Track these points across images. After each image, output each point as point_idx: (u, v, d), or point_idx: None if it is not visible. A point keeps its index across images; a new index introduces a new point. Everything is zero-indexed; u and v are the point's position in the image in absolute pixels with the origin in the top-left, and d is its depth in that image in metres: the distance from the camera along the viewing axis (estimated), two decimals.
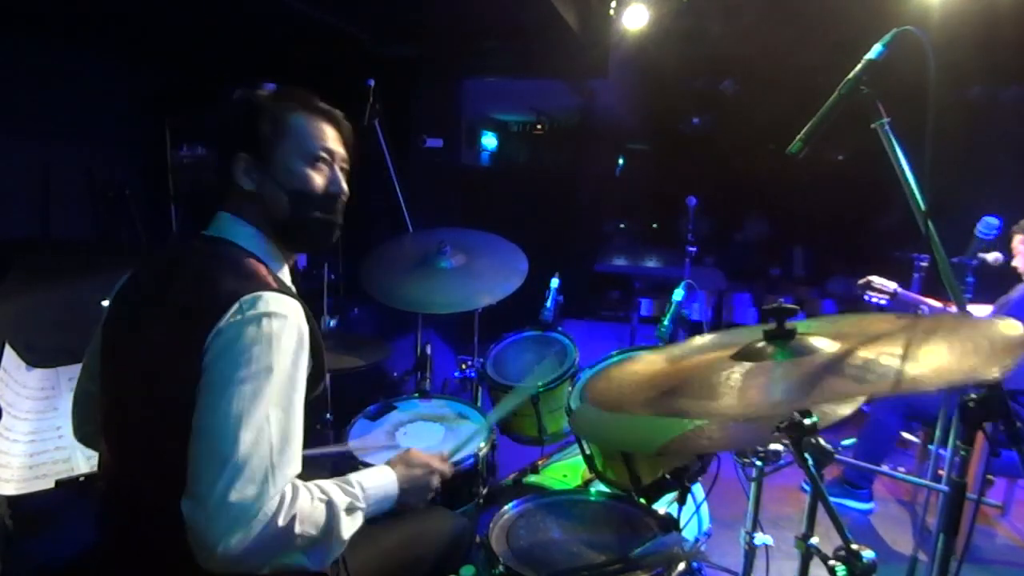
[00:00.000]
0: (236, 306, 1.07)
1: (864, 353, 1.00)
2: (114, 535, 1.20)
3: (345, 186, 1.30)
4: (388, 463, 1.35)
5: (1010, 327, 0.98)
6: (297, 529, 1.05)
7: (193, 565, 1.11)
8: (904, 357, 0.95)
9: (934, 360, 0.93)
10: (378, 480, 1.26)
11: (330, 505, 1.12)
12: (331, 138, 1.28)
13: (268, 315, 1.08)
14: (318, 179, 1.26)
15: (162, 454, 1.11)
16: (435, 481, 1.39)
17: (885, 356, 0.97)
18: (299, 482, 1.11)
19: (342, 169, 1.31)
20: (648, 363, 1.24)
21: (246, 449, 1.01)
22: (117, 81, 4.34)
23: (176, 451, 1.09)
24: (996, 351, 0.92)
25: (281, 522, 1.03)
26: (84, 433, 1.39)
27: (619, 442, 1.69)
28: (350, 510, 1.16)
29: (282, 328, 1.09)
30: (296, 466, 1.10)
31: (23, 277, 2.34)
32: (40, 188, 3.92)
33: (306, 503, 1.08)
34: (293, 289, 1.22)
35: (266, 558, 1.05)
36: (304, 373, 1.14)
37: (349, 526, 1.15)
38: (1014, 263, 2.87)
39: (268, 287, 1.12)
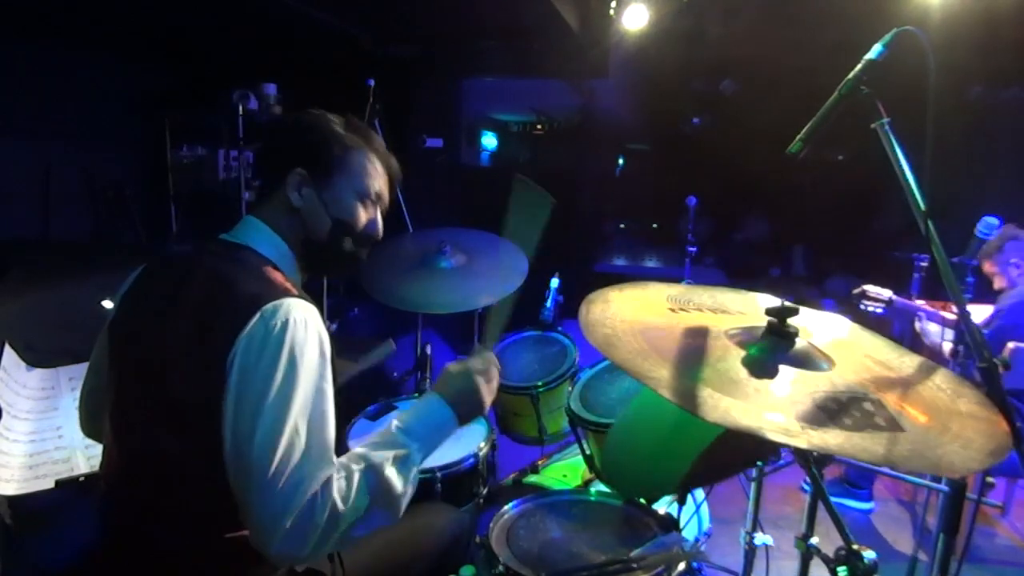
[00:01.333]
0: (258, 315, 1.08)
1: (851, 393, 0.98)
2: (116, 534, 1.20)
3: (381, 229, 1.35)
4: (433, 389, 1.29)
5: (999, 423, 0.97)
6: (342, 510, 1.05)
7: (193, 563, 1.12)
8: (887, 423, 0.93)
9: (912, 439, 0.91)
10: (421, 412, 1.23)
11: (368, 471, 1.10)
12: (384, 182, 1.33)
13: (291, 322, 1.08)
14: (363, 216, 1.30)
15: (168, 455, 1.11)
16: (483, 383, 1.28)
17: (868, 411, 0.95)
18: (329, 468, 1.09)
19: (382, 211, 1.36)
20: (650, 302, 1.24)
21: (279, 461, 1.02)
22: (117, 81, 4.34)
23: (182, 452, 1.10)
24: (980, 450, 0.90)
25: (321, 516, 1.03)
26: (92, 429, 1.39)
27: (649, 488, 1.65)
28: (395, 461, 1.13)
29: (305, 336, 1.09)
30: (330, 469, 1.09)
31: (23, 277, 2.34)
32: (40, 188, 3.92)
33: (341, 485, 1.07)
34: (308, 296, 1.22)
35: (324, 545, 1.05)
36: (329, 377, 1.14)
37: (397, 477, 1.12)
38: (996, 286, 2.91)
39: (288, 293, 1.13)
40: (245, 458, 1.03)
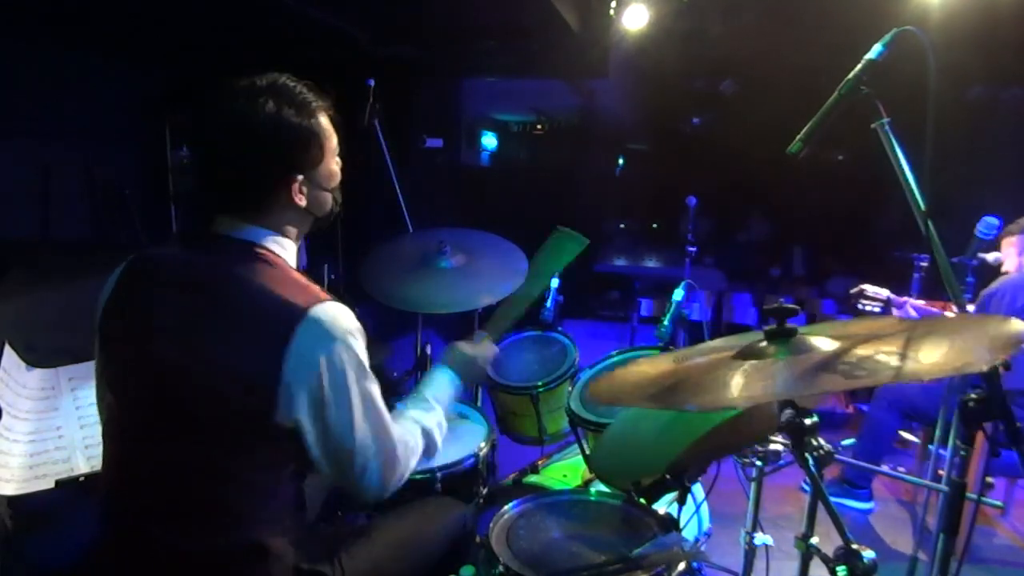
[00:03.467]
0: (305, 322, 1.10)
1: (862, 351, 1.00)
2: (120, 537, 1.19)
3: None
4: (443, 362, 1.61)
5: (1007, 323, 0.98)
6: (413, 463, 1.34)
7: (198, 564, 1.12)
8: (901, 353, 0.96)
9: (930, 355, 0.94)
10: (445, 386, 1.54)
11: (424, 433, 1.40)
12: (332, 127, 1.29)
13: (341, 327, 1.15)
14: (338, 170, 1.31)
15: (183, 461, 1.12)
16: (483, 362, 1.65)
17: (882, 353, 0.97)
18: (400, 428, 1.31)
19: None
20: (653, 364, 1.25)
21: (379, 446, 1.21)
22: (117, 81, 4.34)
23: (200, 458, 1.11)
24: (992, 346, 0.92)
25: (407, 467, 1.31)
26: None
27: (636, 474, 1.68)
28: (436, 423, 1.44)
29: (353, 335, 1.17)
30: (401, 426, 1.33)
31: (23, 277, 2.34)
32: (40, 188, 3.92)
33: (416, 443, 1.36)
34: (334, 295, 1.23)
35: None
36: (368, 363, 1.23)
37: (438, 434, 1.44)
38: (1004, 268, 2.88)
39: (322, 298, 1.16)
40: (347, 452, 1.17)
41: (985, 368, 0.89)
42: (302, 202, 1.23)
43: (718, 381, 1.03)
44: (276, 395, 1.09)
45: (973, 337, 0.99)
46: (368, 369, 1.20)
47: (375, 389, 1.22)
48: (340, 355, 1.13)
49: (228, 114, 1.17)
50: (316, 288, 1.19)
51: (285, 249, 1.25)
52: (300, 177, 1.21)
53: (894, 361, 0.93)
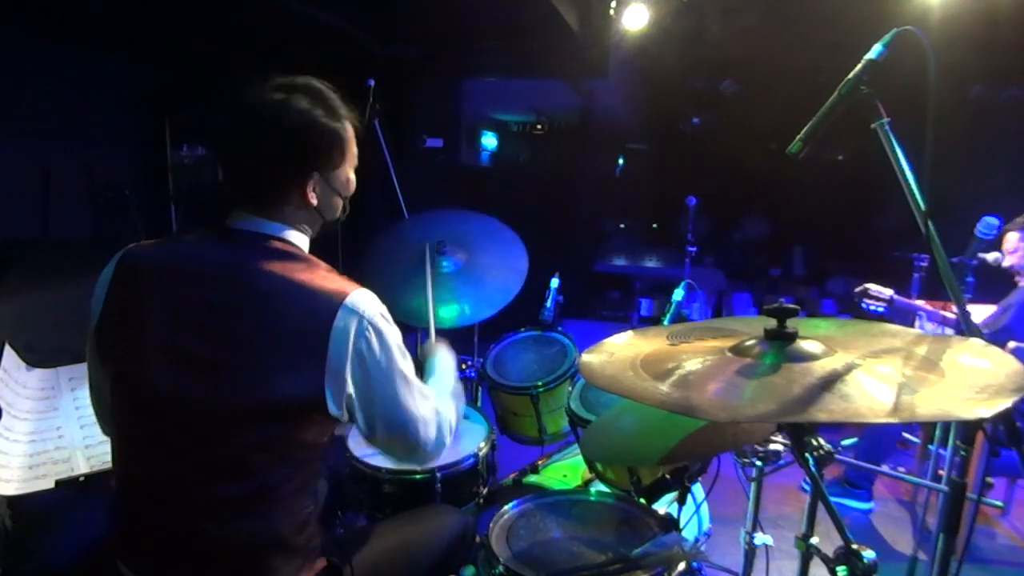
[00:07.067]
0: (340, 312, 1.15)
1: (861, 374, 0.98)
2: (141, 531, 1.19)
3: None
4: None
5: (1014, 365, 0.96)
6: (454, 416, 1.43)
7: (222, 556, 1.14)
8: (901, 385, 0.94)
9: (931, 392, 0.92)
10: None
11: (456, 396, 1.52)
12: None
13: (375, 312, 1.19)
14: (354, 179, 1.33)
15: (223, 455, 1.12)
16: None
17: (881, 379, 0.96)
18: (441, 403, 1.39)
19: None
20: (647, 341, 1.24)
21: (423, 414, 1.29)
22: (117, 80, 4.34)
23: (242, 452, 1.12)
24: (996, 391, 0.90)
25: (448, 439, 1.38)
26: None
27: (627, 459, 1.69)
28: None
29: (380, 316, 1.21)
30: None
31: (23, 277, 2.34)
32: (40, 188, 3.92)
33: (451, 415, 1.41)
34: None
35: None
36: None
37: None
38: (1005, 263, 2.87)
39: (351, 286, 1.20)
40: (399, 429, 1.25)
41: (986, 415, 0.88)
42: (314, 201, 1.24)
43: (718, 393, 1.01)
44: (323, 384, 1.13)
45: (978, 375, 0.96)
46: (402, 345, 1.26)
47: (411, 365, 1.29)
48: (377, 338, 1.18)
49: (262, 106, 1.19)
50: (342, 276, 1.23)
51: (299, 244, 1.26)
52: (316, 176, 1.23)
53: (893, 395, 0.92)
